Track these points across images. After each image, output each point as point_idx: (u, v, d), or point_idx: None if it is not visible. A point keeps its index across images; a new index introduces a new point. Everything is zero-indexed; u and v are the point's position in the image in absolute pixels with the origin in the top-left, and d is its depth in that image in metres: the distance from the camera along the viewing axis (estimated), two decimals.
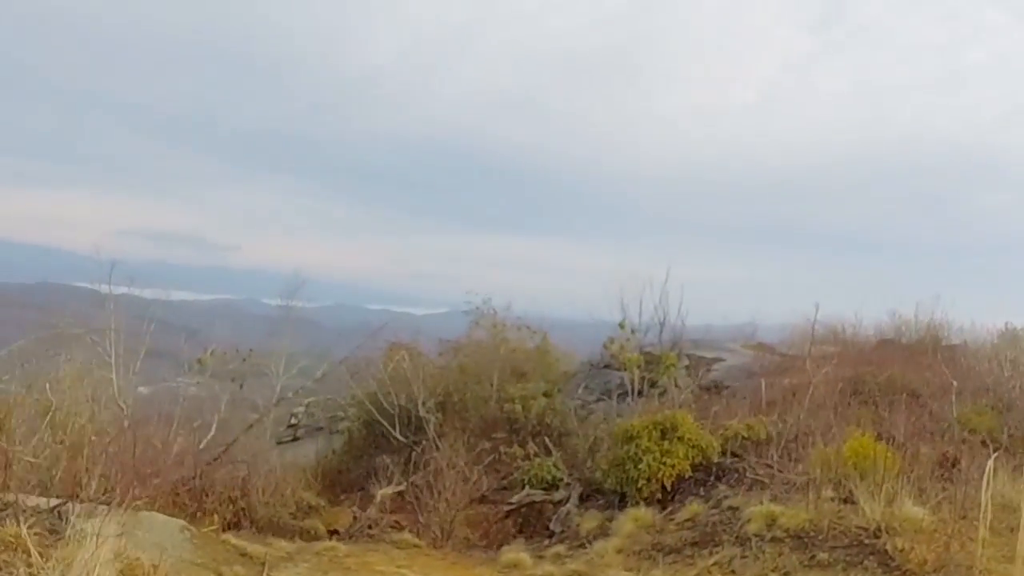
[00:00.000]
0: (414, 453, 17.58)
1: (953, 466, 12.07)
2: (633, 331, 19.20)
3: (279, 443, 23.09)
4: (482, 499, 15.88)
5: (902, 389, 15.47)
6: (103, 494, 9.40)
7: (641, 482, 13.12)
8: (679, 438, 13.33)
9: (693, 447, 13.34)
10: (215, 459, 14.21)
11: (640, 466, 13.18)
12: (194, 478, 12.61)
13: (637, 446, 13.34)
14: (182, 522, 10.02)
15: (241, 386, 21.13)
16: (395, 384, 19.25)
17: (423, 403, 18.80)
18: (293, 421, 23.02)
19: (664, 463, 13.16)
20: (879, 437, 12.51)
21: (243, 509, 13.37)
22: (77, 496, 8.98)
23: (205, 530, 10.61)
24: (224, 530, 13.05)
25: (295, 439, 22.94)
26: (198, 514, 11.93)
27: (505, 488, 16.05)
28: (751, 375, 17.72)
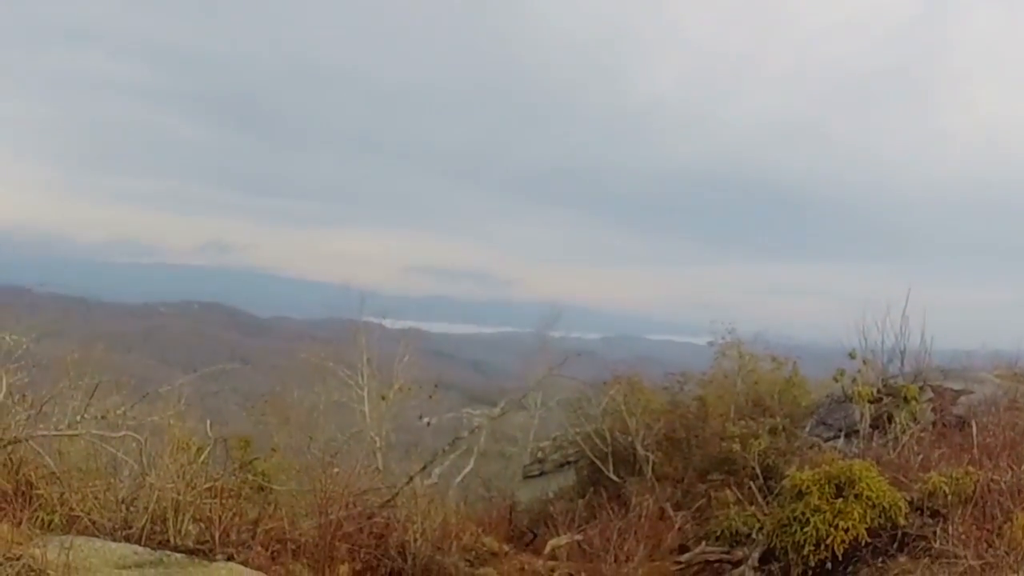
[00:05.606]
0: (624, 494, 17.09)
1: None
2: (865, 361, 17.15)
3: (526, 477, 23.53)
4: (682, 549, 15.02)
5: None
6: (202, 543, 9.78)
7: (808, 548, 11.36)
8: (856, 495, 11.49)
9: (873, 507, 11.34)
10: (387, 501, 14.33)
11: (806, 529, 11.38)
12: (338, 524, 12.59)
13: (806, 504, 11.65)
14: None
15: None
16: (611, 420, 18.88)
17: (641, 440, 18.26)
18: (540, 455, 23.27)
19: (836, 526, 11.25)
20: None
21: (403, 555, 13.24)
22: (166, 544, 9.52)
23: None
24: None
25: (542, 473, 23.15)
26: (326, 564, 11.91)
27: (706, 538, 15.02)
28: (1002, 409, 15.10)
